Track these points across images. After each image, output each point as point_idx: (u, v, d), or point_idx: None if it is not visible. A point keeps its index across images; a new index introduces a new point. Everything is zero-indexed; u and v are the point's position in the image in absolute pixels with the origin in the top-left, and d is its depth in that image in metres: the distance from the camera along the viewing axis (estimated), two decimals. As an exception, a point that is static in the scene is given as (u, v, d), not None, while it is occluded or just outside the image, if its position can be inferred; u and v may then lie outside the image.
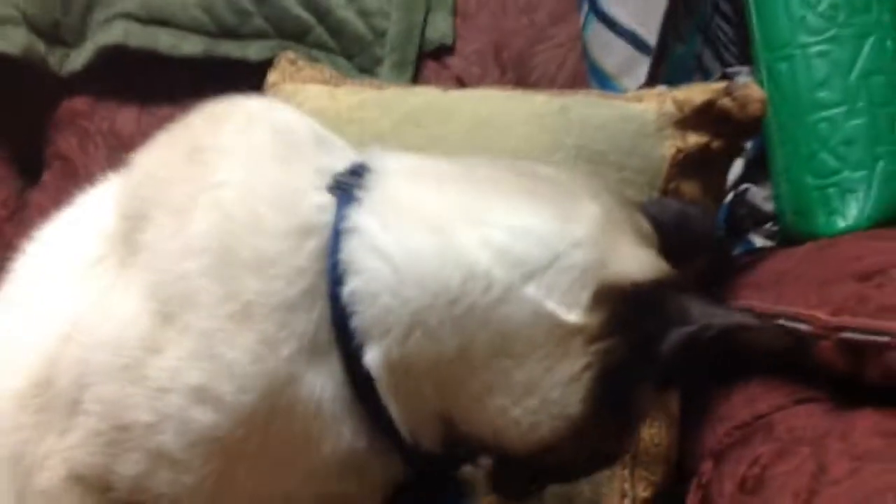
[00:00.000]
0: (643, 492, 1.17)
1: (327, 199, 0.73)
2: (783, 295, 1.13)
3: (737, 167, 1.38)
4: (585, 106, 1.19)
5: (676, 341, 0.71)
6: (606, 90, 1.38)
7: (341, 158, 0.78)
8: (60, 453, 0.73)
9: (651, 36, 1.36)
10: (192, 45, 1.57)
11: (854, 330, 0.97)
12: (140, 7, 1.60)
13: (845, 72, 1.25)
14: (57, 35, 1.63)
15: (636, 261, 0.73)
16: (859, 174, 1.23)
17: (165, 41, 1.58)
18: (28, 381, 0.77)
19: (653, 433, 1.18)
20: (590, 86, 1.43)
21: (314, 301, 0.70)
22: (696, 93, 1.17)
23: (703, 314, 0.71)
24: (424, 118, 1.23)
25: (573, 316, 0.70)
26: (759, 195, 1.38)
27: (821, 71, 1.26)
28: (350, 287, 0.70)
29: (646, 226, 0.78)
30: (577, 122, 1.17)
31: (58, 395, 0.74)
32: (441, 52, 1.61)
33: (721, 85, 1.18)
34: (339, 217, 0.71)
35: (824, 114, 1.25)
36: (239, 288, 0.69)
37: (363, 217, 0.72)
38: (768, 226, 1.39)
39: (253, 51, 1.58)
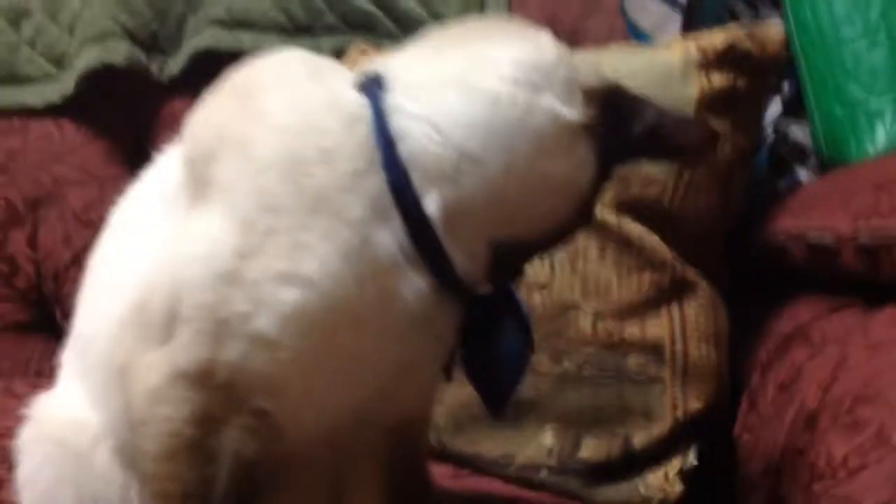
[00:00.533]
0: (695, 403, 1.27)
1: (360, 96, 0.86)
2: (811, 215, 1.23)
3: (776, 106, 1.47)
4: (616, 58, 1.31)
5: (644, 127, 0.88)
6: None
7: (356, 74, 0.91)
8: (164, 357, 0.86)
9: (681, -8, 1.46)
10: (271, 43, 1.73)
11: (866, 233, 1.07)
12: (226, 13, 1.77)
13: (865, 9, 1.34)
14: (155, 44, 1.80)
15: (590, 71, 0.90)
16: (884, 99, 1.32)
17: (249, 42, 1.74)
18: (127, 307, 0.91)
19: (701, 351, 1.29)
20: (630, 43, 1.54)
21: (372, 173, 0.83)
22: (718, 37, 1.28)
23: (651, 111, 0.88)
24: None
25: (576, 114, 0.85)
26: (800, 132, 1.46)
27: (842, 9, 1.35)
28: (401, 150, 0.83)
29: None
30: (609, 74, 1.28)
31: (156, 313, 0.87)
32: (498, 30, 1.73)
33: (741, 29, 1.28)
34: (375, 102, 0.85)
35: (848, 48, 1.34)
36: (309, 182, 0.82)
37: (395, 98, 0.85)
38: (811, 161, 1.47)
39: (326, 44, 1.73)
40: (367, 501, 1.02)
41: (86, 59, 1.78)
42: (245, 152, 0.85)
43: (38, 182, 1.83)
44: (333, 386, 0.88)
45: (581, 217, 0.91)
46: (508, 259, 0.89)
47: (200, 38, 1.77)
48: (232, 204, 0.84)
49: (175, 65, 1.81)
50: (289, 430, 0.89)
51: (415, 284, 0.85)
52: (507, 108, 0.83)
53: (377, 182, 0.83)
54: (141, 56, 1.79)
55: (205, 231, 0.85)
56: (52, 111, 1.85)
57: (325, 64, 0.93)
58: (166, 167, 0.99)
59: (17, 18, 1.85)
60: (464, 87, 0.84)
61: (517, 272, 0.94)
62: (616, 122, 0.87)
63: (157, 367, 0.87)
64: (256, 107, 0.87)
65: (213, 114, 0.90)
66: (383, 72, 0.88)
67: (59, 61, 1.84)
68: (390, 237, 0.84)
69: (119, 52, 1.77)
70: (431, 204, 0.83)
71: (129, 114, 1.84)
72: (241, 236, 0.83)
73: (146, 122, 1.84)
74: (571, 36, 1.70)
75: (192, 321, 0.84)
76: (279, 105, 0.86)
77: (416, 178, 0.83)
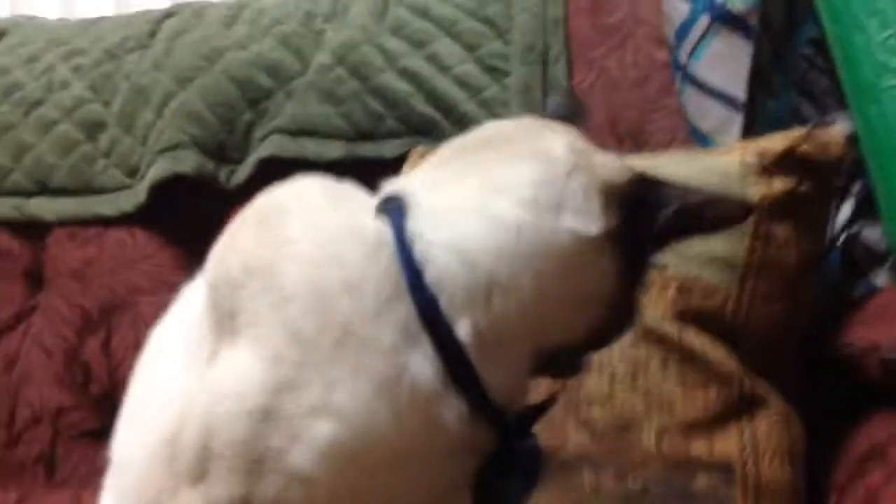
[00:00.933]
0: (768, 527, 1.21)
1: (381, 223, 0.86)
2: (884, 327, 1.17)
3: (847, 208, 1.42)
4: (674, 163, 1.28)
5: (667, 218, 0.85)
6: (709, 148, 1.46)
7: (372, 197, 0.91)
8: (198, 496, 0.84)
9: (742, 94, 1.43)
10: (334, 150, 1.76)
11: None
12: (290, 122, 1.80)
13: (935, 107, 1.29)
14: (223, 154, 1.83)
15: (611, 167, 0.88)
16: (959, 204, 1.26)
17: (312, 149, 1.77)
18: (158, 437, 0.90)
19: (774, 468, 1.23)
20: (692, 146, 1.51)
21: (399, 301, 0.82)
22: (777, 141, 1.25)
23: (676, 194, 0.86)
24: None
25: (595, 227, 0.84)
26: (874, 235, 1.41)
27: (910, 109, 1.30)
28: (428, 277, 0.82)
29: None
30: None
31: (188, 451, 0.86)
32: (560, 133, 1.73)
33: (801, 132, 1.24)
34: (397, 230, 0.84)
35: (919, 147, 1.29)
36: (335, 316, 0.81)
37: (416, 224, 0.84)
38: (886, 266, 1.41)
39: (388, 149, 1.75)
40: None
41: (157, 169, 1.83)
42: (269, 282, 0.85)
43: (112, 289, 1.87)
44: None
45: (623, 317, 0.90)
46: (553, 364, 0.89)
47: (265, 146, 1.81)
48: (259, 337, 0.84)
49: (242, 173, 1.84)
50: None
51: (455, 409, 0.83)
52: (532, 235, 0.83)
53: (405, 310, 0.82)
54: (209, 165, 1.83)
55: (234, 366, 0.84)
56: (125, 219, 1.89)
57: (344, 189, 0.92)
58: (196, 288, 0.99)
59: (93, 131, 1.91)
60: (485, 215, 0.83)
61: (571, 371, 0.95)
62: (640, 216, 0.86)
63: (189, 498, 0.85)
64: (278, 234, 0.86)
65: (236, 241, 0.91)
66: (401, 195, 0.87)
67: (133, 172, 1.89)
68: (425, 364, 0.82)
69: (188, 162, 1.81)
70: (462, 329, 0.82)
71: (198, 221, 1.87)
72: (271, 371, 0.82)
73: (214, 228, 1.86)
74: (634, 137, 1.69)
75: (226, 459, 0.83)
76: (300, 233, 0.86)
77: (445, 305, 0.82)
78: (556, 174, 0.85)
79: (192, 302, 0.98)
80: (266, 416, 0.82)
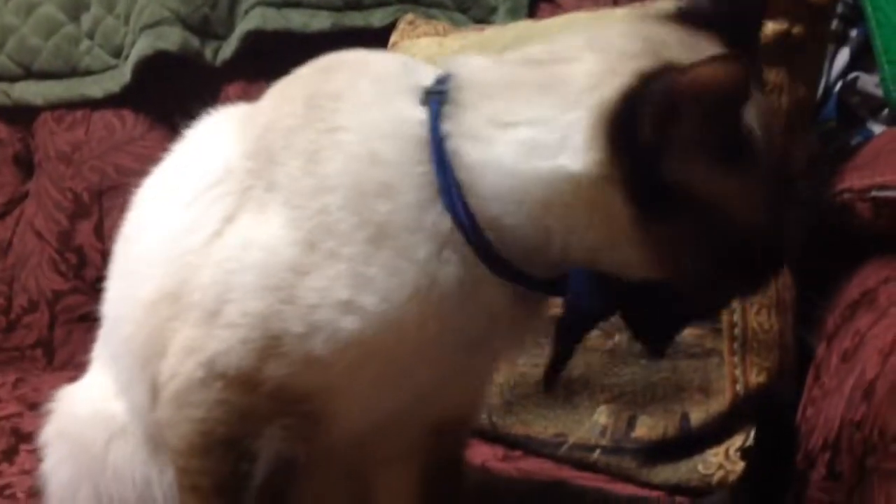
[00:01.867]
0: (756, 377, 1.19)
1: (424, 114, 0.82)
2: (878, 168, 1.13)
3: (844, 55, 1.37)
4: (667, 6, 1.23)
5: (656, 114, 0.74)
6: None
7: (428, 75, 0.86)
8: (199, 347, 0.84)
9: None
10: (321, 21, 1.71)
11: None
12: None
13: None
14: (208, 29, 1.79)
15: (618, 80, 0.76)
16: (957, 44, 1.21)
17: (297, 20, 1.72)
18: (157, 293, 0.89)
19: (761, 320, 1.20)
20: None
21: (433, 206, 0.80)
22: (769, -19, 1.19)
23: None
24: (519, 47, 1.30)
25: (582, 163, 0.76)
26: (871, 82, 1.36)
27: (908, -53, 1.24)
28: (463, 188, 0.79)
29: (660, 32, 0.81)
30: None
31: (191, 308, 0.85)
32: (552, -5, 1.68)
33: (794, -28, 1.19)
34: (434, 129, 0.80)
35: (917, -12, 1.24)
36: (371, 214, 0.79)
37: (457, 126, 0.80)
38: (884, 112, 1.36)
39: (376, 18, 1.69)
40: (399, 492, 0.99)
41: (141, 47, 1.79)
42: (310, 167, 0.83)
43: (102, 172, 1.85)
44: (386, 392, 0.86)
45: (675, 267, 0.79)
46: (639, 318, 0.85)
47: (249, 19, 1.76)
48: (294, 218, 0.82)
49: (228, 48, 1.80)
50: (334, 430, 0.87)
51: (493, 295, 0.81)
52: (540, 174, 0.78)
53: (438, 214, 0.80)
54: (194, 41, 1.79)
55: (263, 239, 0.83)
56: (113, 101, 1.87)
57: (396, 70, 0.88)
58: (202, 147, 0.97)
59: (75, 12, 1.88)
60: (524, 153, 0.78)
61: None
62: (638, 143, 0.74)
63: (189, 367, 0.85)
64: (324, 121, 0.84)
65: (280, 117, 0.87)
66: (449, 87, 0.83)
67: (118, 52, 1.86)
68: (455, 267, 0.80)
69: (172, 38, 1.77)
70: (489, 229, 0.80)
71: (187, 100, 1.83)
72: (302, 254, 0.81)
73: (203, 106, 1.83)
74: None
75: (240, 328, 0.82)
76: (346, 126, 0.83)
77: (475, 211, 0.79)
78: (559, 114, 0.77)
79: (199, 152, 0.96)
80: (290, 299, 0.80)
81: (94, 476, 0.97)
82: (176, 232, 0.90)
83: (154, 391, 0.89)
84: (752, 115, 0.75)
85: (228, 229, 0.86)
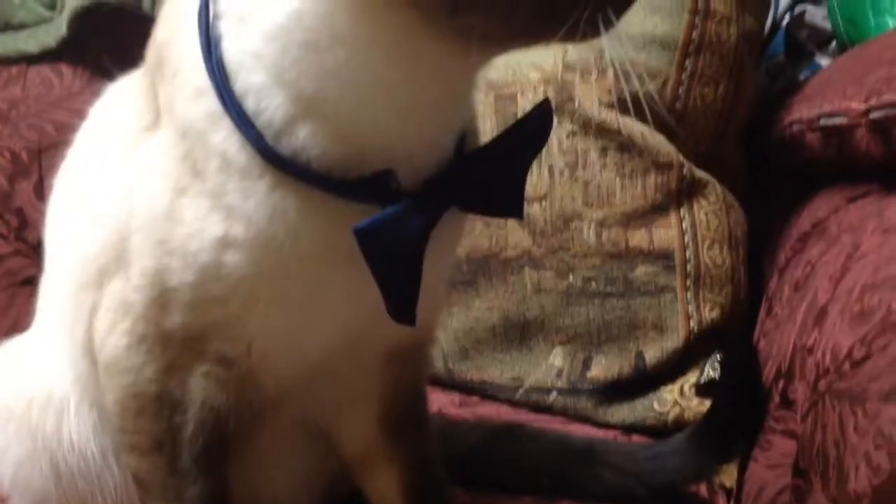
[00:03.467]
0: (709, 313, 1.19)
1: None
2: (826, 97, 1.12)
3: (791, -11, 1.36)
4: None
5: None
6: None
7: None
8: (122, 326, 0.82)
9: None
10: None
11: (878, 108, 0.97)
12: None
13: None
14: (147, -21, 1.75)
15: None
16: (904, -30, 1.20)
17: (237, -34, 1.67)
18: (96, 247, 0.86)
19: (714, 255, 1.20)
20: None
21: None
22: None
23: None
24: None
25: None
26: (819, 15, 1.36)
27: None
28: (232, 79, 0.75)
29: None
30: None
31: (109, 270, 0.84)
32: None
33: None
34: (201, 20, 0.75)
35: (864, -85, 1.22)
36: (210, 144, 0.75)
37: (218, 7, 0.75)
38: (832, 46, 1.36)
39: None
40: (361, 432, 0.96)
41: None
42: (170, 68, 0.78)
43: (41, 130, 1.79)
44: (297, 323, 0.81)
45: None
46: None
47: (188, -33, 1.71)
48: (166, 168, 0.78)
49: (167, -1, 1.74)
50: (263, 378, 0.84)
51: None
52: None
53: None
54: (133, -8, 1.74)
55: (145, 195, 0.80)
56: (50, 57, 1.80)
57: None
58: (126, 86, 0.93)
59: (6, -37, 1.81)
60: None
61: None
62: None
63: (117, 335, 0.83)
64: (177, 12, 0.79)
65: (157, 26, 0.84)
66: None
67: (52, 4, 1.79)
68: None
69: (110, -11, 1.71)
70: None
71: (125, 53, 1.78)
72: (174, 201, 0.77)
73: (143, 58, 1.79)
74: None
75: (143, 289, 0.80)
76: (177, 55, 0.78)
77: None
78: None
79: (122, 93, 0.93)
80: (174, 249, 0.78)
81: (50, 451, 0.94)
82: (100, 178, 0.88)
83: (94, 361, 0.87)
84: None
85: (131, 157, 0.83)
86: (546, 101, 0.80)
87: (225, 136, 0.75)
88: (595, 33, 0.70)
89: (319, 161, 0.74)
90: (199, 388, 0.82)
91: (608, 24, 0.71)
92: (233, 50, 0.74)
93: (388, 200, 0.75)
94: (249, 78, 0.73)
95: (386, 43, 0.71)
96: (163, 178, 0.78)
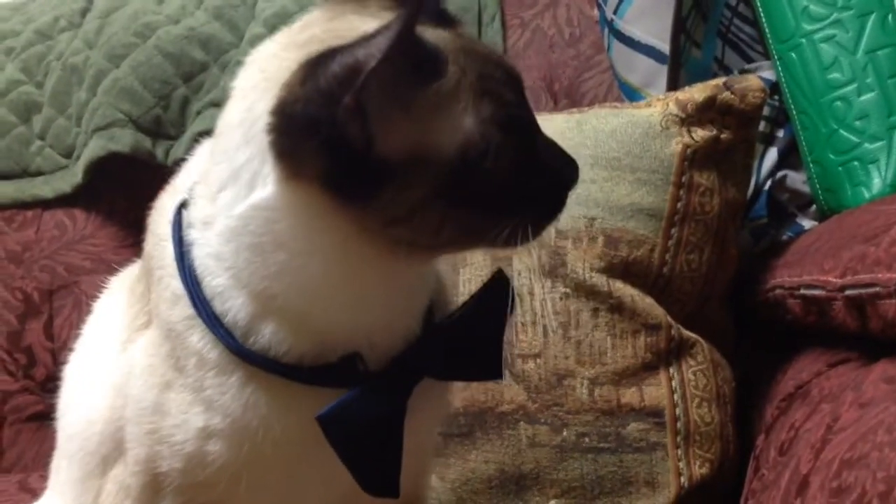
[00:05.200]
0: (700, 469, 1.23)
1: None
2: (805, 266, 1.18)
3: (772, 155, 1.44)
4: (598, 118, 1.29)
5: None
6: (637, 102, 1.47)
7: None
8: (118, 482, 0.89)
9: (667, 46, 1.44)
10: (271, 121, 1.75)
11: (853, 287, 1.03)
12: (224, 95, 1.78)
13: (851, 51, 1.31)
14: (160, 130, 1.82)
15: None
16: (877, 145, 1.28)
17: (248, 121, 1.76)
18: (97, 438, 0.94)
19: (703, 413, 1.24)
20: (623, 101, 1.52)
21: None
22: (697, 91, 1.26)
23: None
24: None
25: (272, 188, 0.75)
26: (799, 179, 1.43)
27: (828, 54, 1.32)
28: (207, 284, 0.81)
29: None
30: (592, 134, 1.27)
31: (106, 438, 0.91)
32: (496, 93, 1.73)
33: (720, 81, 1.26)
34: (175, 237, 0.82)
35: (837, 93, 1.31)
36: (188, 344, 0.82)
37: (188, 224, 0.81)
38: (813, 208, 1.43)
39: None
40: None
41: (93, 148, 1.81)
42: (157, 274, 0.86)
43: (53, 272, 1.85)
44: (280, 492, 0.86)
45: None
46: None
47: (201, 120, 1.79)
48: (150, 363, 0.85)
49: (180, 148, 1.82)
50: None
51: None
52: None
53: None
54: (146, 142, 1.81)
55: (137, 388, 0.86)
56: (64, 201, 1.88)
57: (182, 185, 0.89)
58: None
59: (27, 113, 1.90)
60: (229, 210, 0.79)
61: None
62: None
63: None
64: (158, 222, 0.87)
65: (146, 239, 0.91)
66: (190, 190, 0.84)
67: (69, 152, 1.88)
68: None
69: (124, 140, 1.79)
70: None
71: (138, 199, 1.84)
72: (160, 395, 0.84)
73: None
74: (569, 94, 1.70)
75: (138, 474, 0.87)
76: (159, 264, 0.86)
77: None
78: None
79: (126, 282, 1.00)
80: (162, 439, 0.84)
81: None
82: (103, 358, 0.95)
83: None
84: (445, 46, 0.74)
85: (124, 351, 0.91)
86: (500, 272, 0.85)
87: (200, 337, 0.81)
88: (519, 243, 0.77)
89: (288, 354, 0.80)
90: None
91: (525, 240, 0.77)
92: (201, 255, 0.81)
93: (355, 383, 0.80)
94: (213, 281, 0.80)
95: (323, 248, 0.76)
96: (151, 374, 0.85)
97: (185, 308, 0.81)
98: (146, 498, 0.86)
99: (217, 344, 0.80)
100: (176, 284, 0.82)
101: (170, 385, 0.83)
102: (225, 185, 0.78)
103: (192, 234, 0.81)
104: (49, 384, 1.82)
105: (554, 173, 0.79)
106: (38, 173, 1.89)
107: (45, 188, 1.88)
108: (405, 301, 0.83)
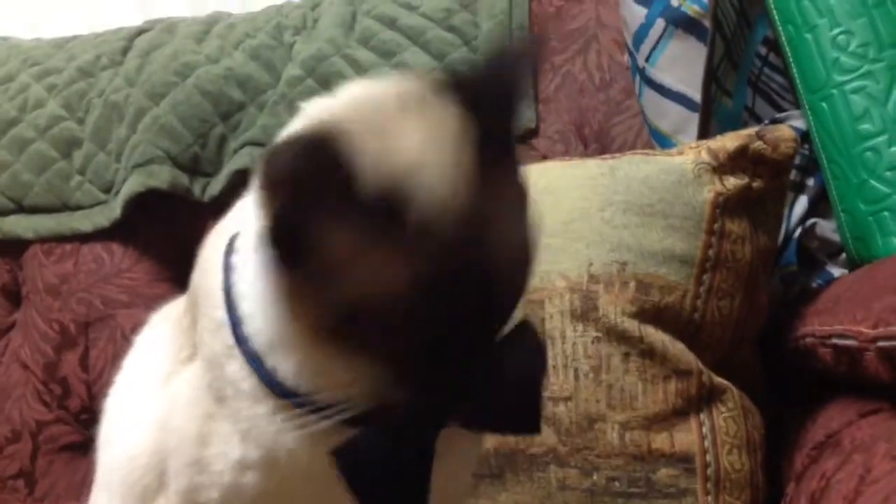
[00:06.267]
0: (729, 516, 1.23)
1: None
2: (837, 316, 1.19)
3: (803, 203, 1.45)
4: (630, 165, 1.31)
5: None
6: (667, 148, 1.49)
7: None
8: None
9: (698, 95, 1.46)
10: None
11: (886, 338, 1.04)
12: (262, 134, 1.82)
13: (882, 103, 1.32)
14: (197, 167, 1.86)
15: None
16: (908, 196, 1.29)
17: (284, 160, 1.79)
18: (140, 471, 0.95)
19: (733, 460, 1.25)
20: (653, 146, 1.54)
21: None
22: (729, 140, 1.28)
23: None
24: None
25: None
26: (829, 227, 1.44)
27: (859, 105, 1.34)
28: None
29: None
30: (624, 180, 1.29)
31: (151, 489, 0.93)
32: (527, 136, 1.76)
33: (752, 130, 1.27)
34: (225, 279, 0.84)
35: (868, 144, 1.33)
36: (227, 375, 0.84)
37: (235, 268, 0.83)
38: (843, 256, 1.44)
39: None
40: None
41: (131, 184, 1.85)
42: (207, 311, 0.87)
43: (89, 304, 1.88)
44: None
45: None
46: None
47: (237, 158, 1.83)
48: (193, 395, 0.88)
49: (216, 186, 1.86)
50: None
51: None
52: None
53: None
54: (184, 179, 1.85)
55: (179, 419, 0.89)
56: (102, 234, 1.91)
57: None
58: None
59: (67, 148, 1.94)
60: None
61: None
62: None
63: None
64: (208, 263, 0.89)
65: (195, 272, 0.94)
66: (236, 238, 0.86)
67: (108, 188, 1.91)
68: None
69: (162, 176, 1.83)
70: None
71: (174, 234, 1.89)
72: (203, 425, 0.86)
73: (190, 241, 1.87)
74: (599, 139, 1.72)
75: (176, 478, 0.89)
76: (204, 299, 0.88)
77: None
78: None
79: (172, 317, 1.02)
80: (202, 469, 0.86)
81: None
82: (141, 391, 0.97)
83: None
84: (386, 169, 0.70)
85: (166, 385, 0.93)
86: (525, 320, 0.84)
87: (238, 367, 0.83)
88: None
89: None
90: None
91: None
92: (239, 281, 0.82)
93: (377, 422, 0.79)
94: (244, 304, 0.82)
95: None
96: (195, 405, 0.87)
97: (227, 336, 0.83)
98: None
99: (252, 373, 0.82)
100: (220, 313, 0.84)
101: (212, 416, 0.85)
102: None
103: (235, 261, 0.83)
104: (83, 415, 1.85)
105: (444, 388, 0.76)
106: (78, 208, 1.93)
107: (84, 222, 1.92)
108: None
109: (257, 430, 0.82)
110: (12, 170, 1.95)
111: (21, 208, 1.95)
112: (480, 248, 0.72)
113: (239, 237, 0.85)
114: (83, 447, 1.84)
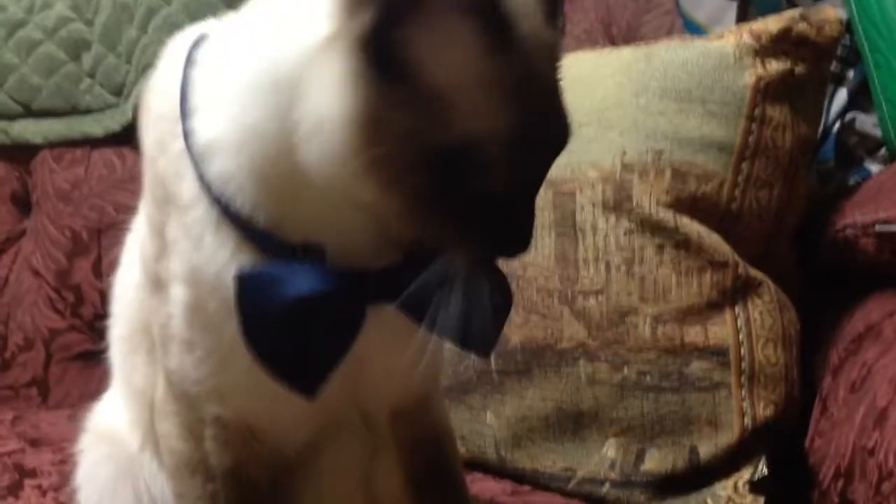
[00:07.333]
0: (763, 410, 1.20)
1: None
2: (880, 204, 1.15)
3: (841, 97, 1.40)
4: (668, 50, 1.26)
5: None
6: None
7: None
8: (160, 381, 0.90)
9: (736, -18, 1.41)
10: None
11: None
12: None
13: (931, -12, 1.27)
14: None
15: None
16: (954, 83, 1.24)
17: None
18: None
19: (768, 354, 1.22)
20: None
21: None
22: (772, 22, 1.22)
23: None
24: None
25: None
26: (869, 122, 1.39)
27: (907, -10, 1.28)
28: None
29: None
30: (661, 66, 1.25)
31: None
32: (552, 36, 1.71)
33: (796, 12, 1.22)
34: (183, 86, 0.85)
35: (914, 30, 1.27)
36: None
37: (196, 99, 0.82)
38: (882, 152, 1.39)
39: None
40: (388, 483, 0.99)
41: (143, 86, 1.80)
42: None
43: (101, 210, 1.85)
44: (269, 385, 0.80)
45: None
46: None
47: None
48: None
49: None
50: (262, 434, 0.88)
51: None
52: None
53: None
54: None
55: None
56: (113, 140, 1.88)
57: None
58: None
59: (76, 50, 1.89)
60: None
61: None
62: None
63: (160, 391, 0.91)
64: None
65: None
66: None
67: (119, 90, 1.87)
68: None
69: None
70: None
71: (187, 138, 1.85)
72: (152, 238, 0.86)
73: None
74: (627, 38, 1.67)
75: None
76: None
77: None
78: None
79: None
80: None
81: (133, 473, 1.00)
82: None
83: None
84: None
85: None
86: None
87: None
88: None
89: (260, 216, 0.76)
90: (211, 452, 0.88)
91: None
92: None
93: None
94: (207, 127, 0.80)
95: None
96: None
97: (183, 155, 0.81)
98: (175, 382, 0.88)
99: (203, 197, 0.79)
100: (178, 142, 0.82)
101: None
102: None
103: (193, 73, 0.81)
104: (97, 323, 1.82)
105: (509, 231, 0.72)
106: (88, 111, 1.89)
107: (94, 126, 1.88)
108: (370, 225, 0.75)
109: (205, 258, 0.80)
110: (20, 73, 1.90)
111: (30, 112, 1.90)
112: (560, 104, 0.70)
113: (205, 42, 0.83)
114: (97, 355, 1.81)
